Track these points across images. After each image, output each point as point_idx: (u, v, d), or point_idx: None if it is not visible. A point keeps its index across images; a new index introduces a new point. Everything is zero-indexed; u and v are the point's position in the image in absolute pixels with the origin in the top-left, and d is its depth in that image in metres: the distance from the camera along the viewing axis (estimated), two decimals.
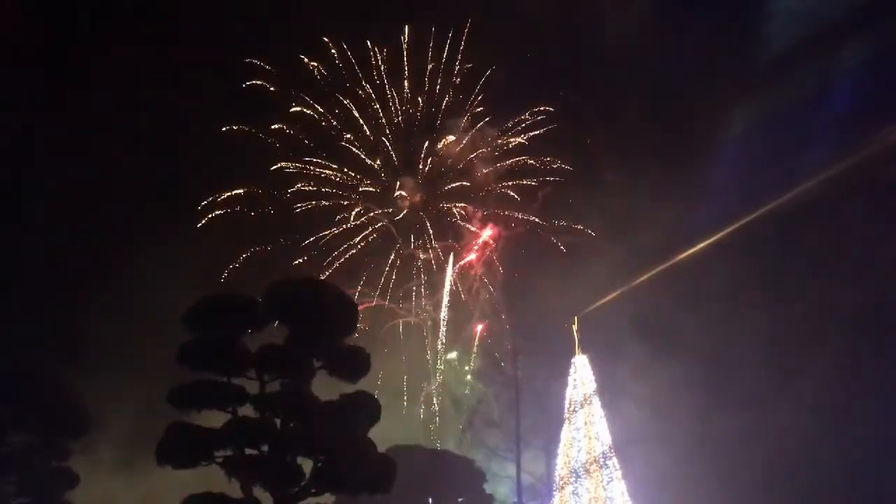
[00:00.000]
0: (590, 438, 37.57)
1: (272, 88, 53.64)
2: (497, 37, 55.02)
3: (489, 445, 46.35)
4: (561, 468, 38.08)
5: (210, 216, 51.84)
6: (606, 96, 54.42)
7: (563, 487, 37.38)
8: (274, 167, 53.82)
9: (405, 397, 53.77)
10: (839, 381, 43.51)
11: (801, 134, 50.10)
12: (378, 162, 55.68)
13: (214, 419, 21.18)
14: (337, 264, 54.17)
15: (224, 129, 51.93)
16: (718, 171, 50.63)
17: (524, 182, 55.32)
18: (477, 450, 47.62)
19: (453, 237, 55.67)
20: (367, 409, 22.33)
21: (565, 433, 38.78)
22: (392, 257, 55.29)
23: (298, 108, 54.16)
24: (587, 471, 36.84)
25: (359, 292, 52.35)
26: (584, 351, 40.40)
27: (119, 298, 47.86)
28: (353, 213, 54.95)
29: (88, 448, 31.50)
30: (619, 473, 36.92)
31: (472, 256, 55.01)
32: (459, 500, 43.87)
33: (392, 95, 55.52)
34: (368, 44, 54.72)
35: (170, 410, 21.11)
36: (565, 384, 39.98)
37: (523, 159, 55.49)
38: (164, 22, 52.27)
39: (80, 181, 50.36)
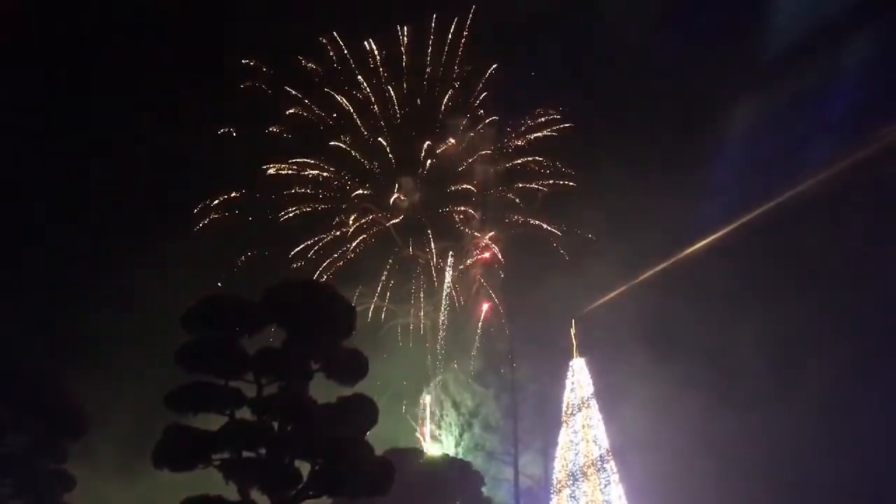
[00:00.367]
0: (587, 441, 37.57)
1: (269, 91, 53.73)
2: (499, 36, 55.05)
3: (487, 448, 46.40)
4: (559, 471, 38.09)
5: (205, 221, 51.88)
6: (609, 96, 54.55)
7: (560, 490, 37.38)
8: (271, 170, 53.89)
9: (405, 402, 53.89)
10: (842, 383, 43.49)
11: (803, 133, 50.12)
12: (376, 163, 55.72)
13: (212, 422, 21.18)
14: (336, 266, 54.32)
15: (221, 131, 52.00)
16: (720, 171, 50.68)
17: (526, 185, 55.53)
18: (475, 453, 47.62)
19: (453, 239, 55.72)
20: (364, 411, 22.35)
21: (563, 436, 38.79)
22: (391, 259, 55.37)
23: (294, 110, 54.23)
24: (585, 474, 36.85)
25: (358, 293, 52.37)
26: (581, 354, 40.44)
27: (118, 300, 47.93)
28: (352, 217, 55.06)
29: (86, 450, 31.49)
30: (616, 477, 36.94)
31: (471, 260, 55.10)
32: (457, 503, 43.77)
33: (391, 95, 55.56)
34: (367, 44, 54.75)
35: (167, 413, 21.13)
36: (563, 387, 40.03)
37: (525, 161, 55.62)
38: (162, 22, 52.37)
39: (79, 182, 50.51)
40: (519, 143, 55.61)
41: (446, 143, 55.46)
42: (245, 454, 20.92)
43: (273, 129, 53.73)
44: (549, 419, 43.14)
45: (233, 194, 53.02)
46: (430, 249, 55.10)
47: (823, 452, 41.85)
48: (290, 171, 54.06)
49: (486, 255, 54.00)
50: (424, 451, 49.04)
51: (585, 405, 38.73)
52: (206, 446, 20.70)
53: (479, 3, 53.96)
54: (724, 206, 48.21)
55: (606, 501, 36.28)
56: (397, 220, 55.17)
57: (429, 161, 55.51)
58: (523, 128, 55.52)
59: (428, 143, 55.27)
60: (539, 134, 55.20)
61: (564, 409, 39.30)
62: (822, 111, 49.23)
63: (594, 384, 39.51)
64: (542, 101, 54.94)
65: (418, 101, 55.56)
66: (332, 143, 54.70)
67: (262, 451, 20.94)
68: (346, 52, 54.19)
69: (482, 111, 55.23)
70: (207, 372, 21.01)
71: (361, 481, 20.61)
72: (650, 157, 50.70)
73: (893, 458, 41.35)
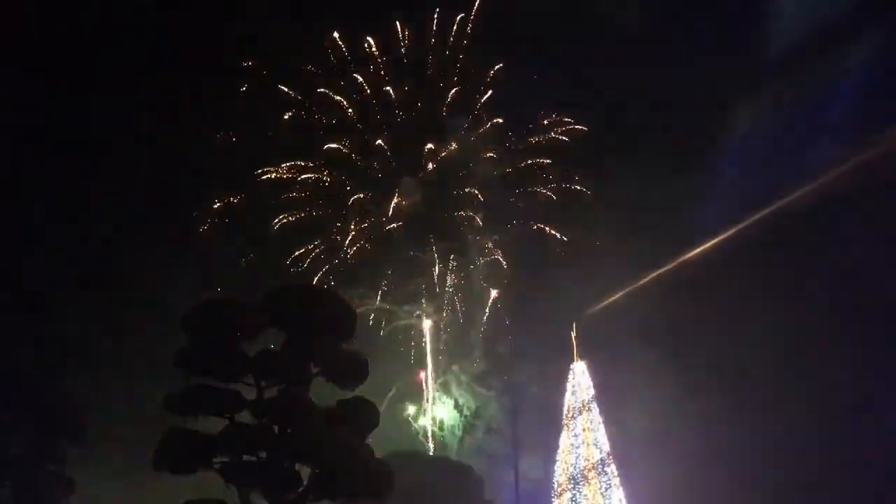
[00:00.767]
0: (588, 445, 37.52)
1: (268, 93, 53.67)
2: (502, 36, 54.92)
3: (488, 451, 46.34)
4: (559, 474, 38.04)
5: (204, 227, 51.85)
6: (613, 97, 54.41)
7: (561, 494, 37.34)
8: (271, 174, 53.86)
9: (406, 404, 53.81)
10: (849, 386, 43.32)
11: (808, 136, 49.91)
12: (377, 165, 55.64)
13: (212, 425, 21.12)
14: (337, 268, 54.28)
15: (219, 134, 51.99)
16: (724, 174, 50.50)
17: (529, 188, 55.49)
18: (476, 456, 47.58)
19: (455, 240, 55.65)
20: (365, 414, 22.30)
21: (564, 439, 38.75)
22: (393, 261, 55.31)
23: (293, 112, 54.19)
24: (585, 477, 36.79)
25: (360, 295, 52.31)
26: (582, 357, 40.41)
27: (118, 303, 47.88)
28: (353, 219, 55.04)
29: (86, 453, 31.43)
30: (617, 480, 36.90)
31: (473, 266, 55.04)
32: None
33: (392, 95, 55.47)
34: (367, 43, 54.63)
35: (168, 416, 21.06)
36: (564, 390, 39.99)
37: (529, 164, 55.56)
38: (162, 23, 52.29)
39: (80, 183, 50.44)
40: (521, 148, 55.65)
41: (449, 145, 55.44)
42: (245, 457, 20.87)
43: (272, 133, 53.82)
44: (549, 422, 43.11)
45: (233, 199, 53.09)
46: (432, 251, 55.09)
47: (830, 455, 41.71)
48: (288, 175, 54.08)
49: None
50: (426, 454, 49.04)
51: (586, 408, 38.69)
52: (206, 449, 20.63)
53: (482, 1, 54.07)
54: (728, 209, 48.15)
55: None
56: (399, 222, 55.18)
57: (430, 164, 55.53)
58: (525, 130, 55.56)
59: (430, 145, 55.31)
60: (541, 137, 55.24)
61: (565, 412, 39.27)
62: (831, 112, 48.96)
63: (595, 387, 39.48)
64: (547, 103, 55.01)
65: (419, 103, 55.56)
66: (333, 145, 54.73)
67: (263, 454, 20.88)
68: (346, 52, 54.22)
69: (485, 115, 55.29)
70: (207, 375, 20.95)
71: (362, 485, 20.53)
72: (653, 161, 50.64)
73: None
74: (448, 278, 54.95)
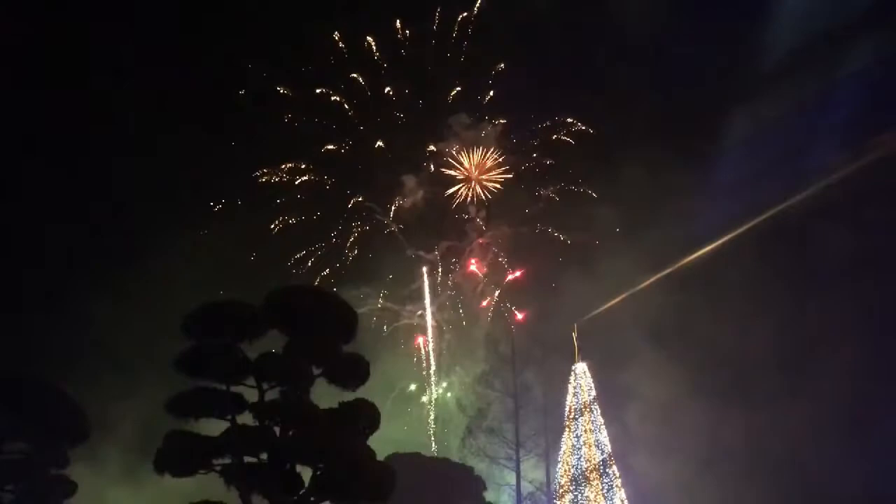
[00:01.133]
0: (590, 446, 37.48)
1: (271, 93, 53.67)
2: (505, 35, 54.98)
3: (490, 453, 46.23)
4: (561, 476, 37.99)
5: (205, 232, 51.88)
6: (615, 97, 54.49)
7: (563, 495, 37.29)
8: (272, 177, 53.88)
9: (409, 404, 53.80)
10: (857, 384, 43.16)
11: (812, 135, 49.82)
12: (378, 163, 55.61)
13: (213, 427, 21.13)
14: (339, 268, 54.26)
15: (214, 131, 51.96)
16: (728, 173, 50.39)
17: (531, 187, 55.48)
18: (478, 457, 47.47)
19: (458, 240, 55.65)
20: (366, 416, 22.29)
21: (565, 441, 38.70)
22: (395, 260, 55.33)
23: (292, 115, 54.19)
24: (587, 478, 36.75)
25: (362, 294, 52.33)
26: (584, 357, 40.37)
27: (118, 305, 47.94)
28: (355, 218, 55.02)
29: (88, 455, 31.46)
30: (619, 481, 36.86)
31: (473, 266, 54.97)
32: None
33: (392, 94, 55.46)
34: (368, 41, 54.62)
35: (169, 418, 21.07)
36: (565, 391, 39.95)
37: (530, 163, 55.57)
38: (161, 24, 52.43)
39: (80, 183, 50.55)
40: (524, 148, 55.67)
41: (450, 144, 55.45)
42: (246, 459, 20.87)
43: (271, 134, 53.86)
44: (551, 423, 43.07)
45: (238, 202, 53.18)
46: (435, 250, 55.12)
47: (838, 456, 41.58)
48: (287, 177, 54.10)
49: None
50: (427, 455, 48.98)
51: (588, 409, 38.65)
52: (207, 451, 20.64)
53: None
54: (732, 206, 48.06)
55: None
56: (401, 221, 55.22)
57: (431, 164, 55.54)
58: (528, 131, 55.56)
59: (431, 146, 55.32)
60: (541, 137, 55.27)
61: (567, 413, 39.22)
62: (835, 110, 48.85)
63: (596, 388, 39.45)
64: (549, 102, 55.03)
65: (420, 101, 55.56)
66: (332, 146, 54.75)
67: (264, 456, 20.89)
68: (345, 52, 54.23)
69: (487, 115, 55.31)
70: (209, 377, 20.96)
71: (363, 487, 20.53)
72: (655, 161, 50.66)
73: None
74: (450, 278, 54.99)
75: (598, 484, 36.58)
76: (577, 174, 54.59)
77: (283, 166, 54.19)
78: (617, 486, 36.74)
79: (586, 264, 51.98)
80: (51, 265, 48.41)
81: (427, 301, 54.62)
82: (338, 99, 54.95)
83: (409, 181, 54.94)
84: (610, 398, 41.12)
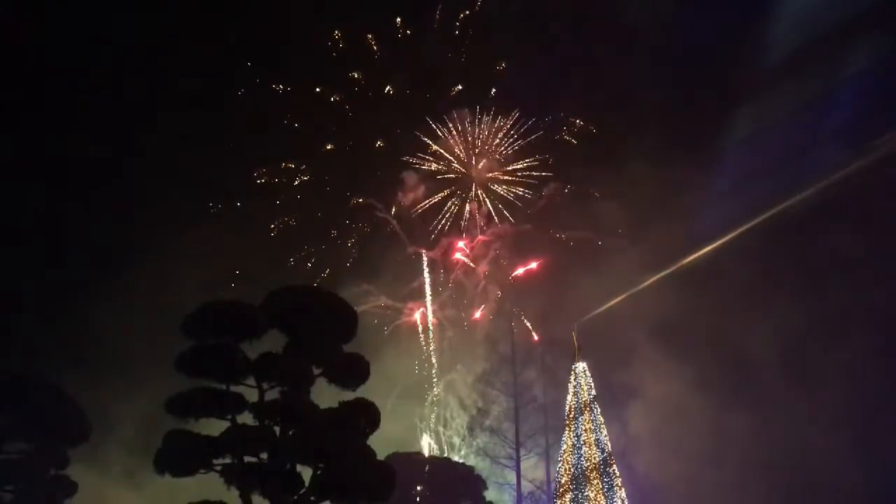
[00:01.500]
0: (590, 445, 37.46)
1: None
2: (506, 33, 54.90)
3: (490, 452, 46.26)
4: (561, 475, 37.97)
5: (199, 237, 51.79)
6: (616, 96, 54.41)
7: (563, 495, 37.27)
8: (272, 176, 53.86)
9: (409, 402, 53.75)
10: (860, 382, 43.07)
11: (815, 133, 49.69)
12: (379, 160, 55.58)
13: (213, 427, 21.15)
14: (340, 265, 54.24)
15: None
16: (730, 172, 50.33)
17: (530, 187, 55.41)
18: (478, 456, 47.50)
19: (459, 236, 55.60)
20: (366, 416, 22.30)
21: (566, 440, 38.69)
22: (396, 256, 55.28)
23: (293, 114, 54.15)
24: (587, 478, 36.74)
25: (364, 292, 52.31)
26: (584, 357, 40.35)
27: (118, 305, 47.95)
28: (356, 216, 54.99)
29: (89, 455, 31.47)
30: (619, 480, 36.85)
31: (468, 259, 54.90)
32: None
33: (392, 90, 55.38)
34: (368, 39, 54.54)
35: (169, 418, 21.08)
36: (566, 391, 39.94)
37: (531, 162, 55.48)
38: (161, 24, 52.39)
39: (79, 185, 50.58)
40: (522, 143, 55.60)
41: (451, 141, 55.38)
42: (247, 459, 20.89)
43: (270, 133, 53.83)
44: (551, 423, 43.09)
45: (238, 204, 53.15)
46: (437, 248, 55.09)
47: (841, 455, 41.54)
48: (286, 179, 54.10)
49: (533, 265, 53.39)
50: (428, 454, 48.97)
51: (588, 408, 38.63)
52: (207, 451, 20.65)
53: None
54: (734, 207, 48.01)
55: None
56: (401, 219, 55.20)
57: (432, 162, 55.47)
58: (524, 128, 55.51)
59: (431, 144, 55.28)
60: (543, 134, 55.22)
61: (567, 412, 39.21)
62: (838, 108, 48.70)
63: (596, 387, 39.44)
64: (551, 99, 55.00)
65: (421, 99, 55.49)
66: (331, 146, 54.73)
67: (264, 455, 20.90)
68: (345, 50, 54.16)
69: (489, 112, 55.25)
70: (209, 377, 20.97)
71: (363, 486, 20.54)
72: (657, 160, 50.64)
73: None
74: (451, 275, 54.99)
75: (598, 483, 36.57)
76: (578, 172, 54.48)
77: (283, 166, 54.17)
78: (617, 485, 36.74)
79: (587, 263, 52.00)
80: (51, 265, 48.39)
81: (428, 300, 54.59)
82: (337, 98, 54.95)
83: (410, 178, 54.87)
84: (610, 397, 41.15)
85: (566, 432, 38.68)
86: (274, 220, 54.32)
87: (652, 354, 46.46)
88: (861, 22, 47.13)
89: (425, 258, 55.14)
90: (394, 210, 55.11)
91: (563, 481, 37.56)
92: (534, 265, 52.59)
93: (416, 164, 55.10)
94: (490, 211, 55.24)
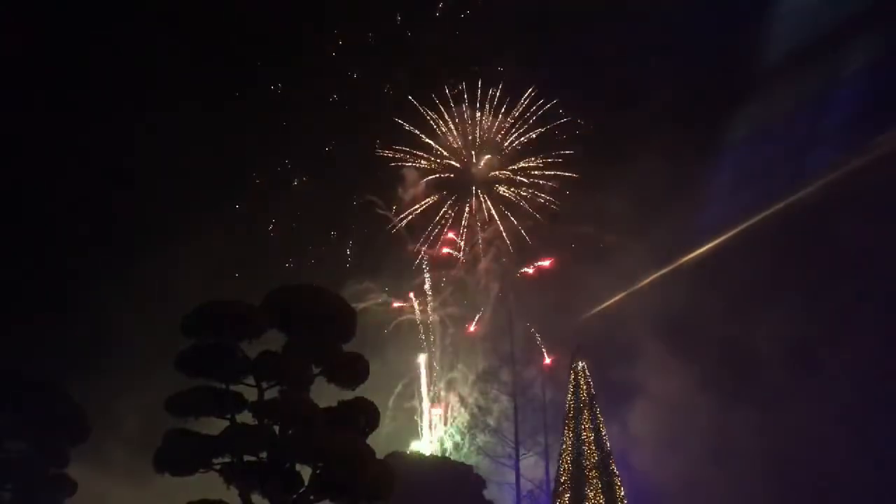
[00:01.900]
0: (589, 444, 37.53)
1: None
2: (508, 31, 54.77)
3: (489, 451, 46.34)
4: (561, 474, 38.04)
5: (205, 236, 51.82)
6: (616, 94, 54.26)
7: (562, 493, 37.33)
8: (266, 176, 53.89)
9: (410, 401, 53.73)
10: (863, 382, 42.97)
11: (817, 131, 49.54)
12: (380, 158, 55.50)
13: (213, 426, 21.17)
14: (343, 263, 54.24)
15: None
16: (732, 170, 50.24)
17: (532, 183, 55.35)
18: (477, 455, 47.56)
19: (461, 233, 55.55)
20: (366, 415, 22.30)
21: (565, 439, 38.76)
22: (397, 253, 55.24)
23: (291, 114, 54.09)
24: (587, 477, 36.80)
25: (365, 289, 52.28)
26: (584, 356, 40.40)
27: (118, 304, 47.97)
28: (358, 214, 54.96)
29: (88, 454, 31.49)
30: (618, 479, 36.93)
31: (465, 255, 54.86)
32: None
33: (393, 87, 55.33)
34: (368, 37, 54.52)
35: (168, 417, 21.11)
36: (565, 390, 40.00)
37: (531, 161, 55.40)
38: (160, 24, 52.37)
39: (79, 185, 50.53)
40: (524, 140, 55.56)
41: (451, 138, 55.32)
42: (246, 458, 20.89)
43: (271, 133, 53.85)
44: (550, 422, 43.13)
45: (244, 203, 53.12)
46: (438, 245, 55.04)
47: (848, 452, 41.47)
48: (285, 180, 54.09)
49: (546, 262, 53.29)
50: (427, 453, 49.02)
51: (587, 407, 38.69)
52: (207, 450, 20.66)
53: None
54: (734, 206, 47.96)
55: None
56: (403, 216, 55.14)
57: (433, 162, 55.44)
58: (524, 126, 55.45)
59: (432, 143, 55.24)
60: (542, 129, 55.15)
61: (566, 411, 39.27)
62: (841, 105, 48.58)
63: (595, 387, 39.49)
64: (552, 97, 54.89)
65: (421, 96, 55.39)
66: (330, 147, 54.74)
67: (263, 454, 20.91)
68: (341, 43, 54.11)
69: (490, 109, 55.20)
70: (209, 376, 20.99)
71: (362, 486, 20.55)
72: (657, 158, 50.55)
73: None
74: (453, 274, 54.95)
75: (597, 482, 36.63)
76: (580, 170, 54.41)
77: (282, 166, 54.21)
78: (617, 484, 36.80)
79: (587, 262, 51.95)
80: (51, 265, 48.38)
81: (429, 298, 54.58)
82: (336, 97, 54.96)
83: (411, 174, 54.85)
84: (610, 397, 41.19)
85: (566, 431, 38.75)
86: (274, 220, 54.30)
87: (654, 352, 46.48)
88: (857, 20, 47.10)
89: (425, 256, 55.12)
90: (394, 207, 55.09)
91: (562, 480, 37.64)
92: (546, 263, 52.41)
93: (415, 164, 55.10)
94: (490, 209, 55.20)
